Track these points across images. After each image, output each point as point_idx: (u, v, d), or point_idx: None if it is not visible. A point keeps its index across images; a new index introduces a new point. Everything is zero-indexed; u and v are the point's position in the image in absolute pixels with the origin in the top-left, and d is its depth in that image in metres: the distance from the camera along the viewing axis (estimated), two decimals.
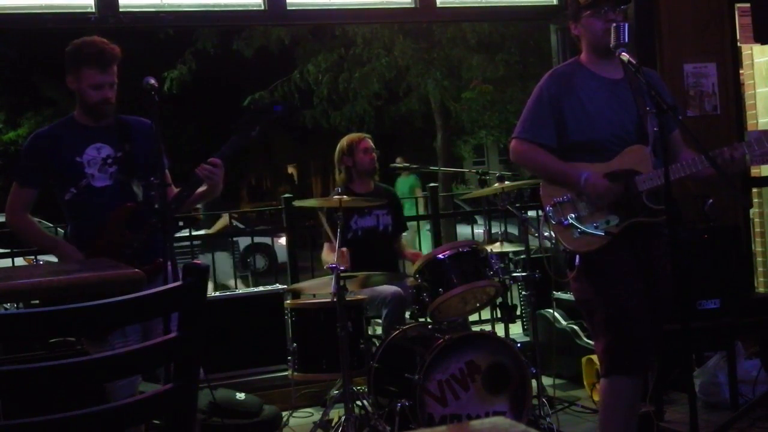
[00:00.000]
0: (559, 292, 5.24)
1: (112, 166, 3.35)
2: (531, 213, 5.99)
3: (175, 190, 3.48)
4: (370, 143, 4.90)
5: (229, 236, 8.43)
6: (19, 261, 5.55)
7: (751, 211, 5.69)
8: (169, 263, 3.02)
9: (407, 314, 4.62)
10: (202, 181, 3.34)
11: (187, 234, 6.83)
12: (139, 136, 3.40)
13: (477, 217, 10.39)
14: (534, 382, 4.16)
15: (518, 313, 5.94)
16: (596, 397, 4.30)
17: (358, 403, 4.13)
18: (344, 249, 4.40)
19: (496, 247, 4.44)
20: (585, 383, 4.80)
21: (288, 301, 4.71)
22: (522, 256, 5.00)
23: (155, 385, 3.56)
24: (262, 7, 4.80)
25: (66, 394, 1.47)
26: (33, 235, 3.49)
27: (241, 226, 11.49)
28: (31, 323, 1.44)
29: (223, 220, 8.73)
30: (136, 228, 3.29)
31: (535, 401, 4.14)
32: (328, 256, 4.63)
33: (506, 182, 4.49)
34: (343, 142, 4.93)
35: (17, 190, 3.40)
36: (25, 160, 3.41)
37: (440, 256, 4.08)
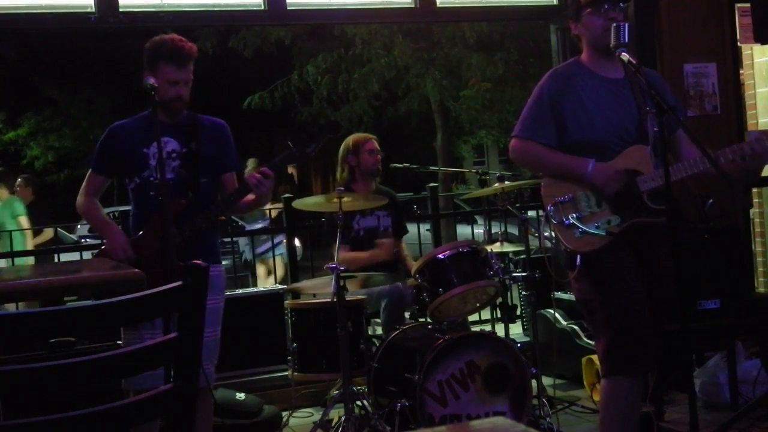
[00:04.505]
0: (559, 292, 5.24)
1: (175, 161, 3.43)
2: (531, 213, 5.99)
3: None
4: (376, 145, 4.88)
5: (230, 237, 8.38)
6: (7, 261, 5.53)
7: (751, 211, 5.69)
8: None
9: (407, 314, 4.61)
10: (251, 189, 3.40)
11: (8, 251, 6.28)
12: (208, 136, 3.51)
13: (477, 217, 10.40)
14: (534, 382, 4.15)
15: (518, 313, 5.95)
16: (596, 397, 4.30)
17: (358, 403, 4.13)
18: (385, 241, 4.52)
19: (496, 247, 4.44)
20: (585, 383, 4.79)
21: (288, 301, 4.71)
22: (522, 256, 5.01)
23: None
24: (262, 7, 4.80)
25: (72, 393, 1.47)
26: (92, 217, 3.66)
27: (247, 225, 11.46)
28: (31, 323, 1.44)
29: (46, 234, 7.94)
30: (183, 224, 3.34)
31: (535, 401, 4.14)
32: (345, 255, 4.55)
33: (506, 182, 4.49)
34: (349, 140, 4.91)
35: (89, 176, 3.60)
36: (99, 148, 3.58)
37: (440, 256, 4.08)
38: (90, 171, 3.61)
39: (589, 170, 3.17)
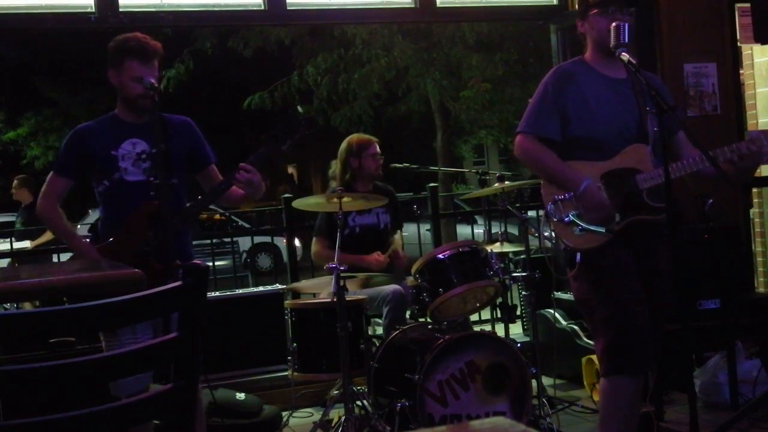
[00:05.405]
0: (559, 292, 5.24)
1: (146, 162, 3.38)
2: (531, 213, 5.99)
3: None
4: (378, 148, 4.86)
5: (230, 236, 8.38)
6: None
7: (751, 211, 5.69)
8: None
9: (407, 314, 4.61)
10: (231, 184, 3.38)
11: (8, 250, 6.27)
12: (178, 136, 3.45)
13: (477, 217, 10.40)
14: (534, 382, 4.15)
15: (518, 313, 5.94)
16: (596, 397, 4.30)
17: (358, 403, 4.13)
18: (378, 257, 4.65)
19: (496, 248, 4.44)
20: (585, 383, 4.79)
21: (288, 301, 4.71)
22: (522, 256, 5.01)
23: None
24: (262, 7, 4.80)
25: (69, 393, 1.47)
26: (54, 224, 3.53)
27: (247, 225, 11.48)
28: (31, 323, 1.44)
29: (48, 234, 7.81)
30: (158, 226, 3.28)
31: (535, 401, 4.14)
32: (323, 252, 4.75)
33: (506, 182, 4.49)
34: (352, 142, 4.87)
35: (52, 178, 3.47)
36: (64, 151, 3.49)
37: (440, 256, 4.08)
38: (52, 174, 3.48)
39: (581, 191, 3.17)
